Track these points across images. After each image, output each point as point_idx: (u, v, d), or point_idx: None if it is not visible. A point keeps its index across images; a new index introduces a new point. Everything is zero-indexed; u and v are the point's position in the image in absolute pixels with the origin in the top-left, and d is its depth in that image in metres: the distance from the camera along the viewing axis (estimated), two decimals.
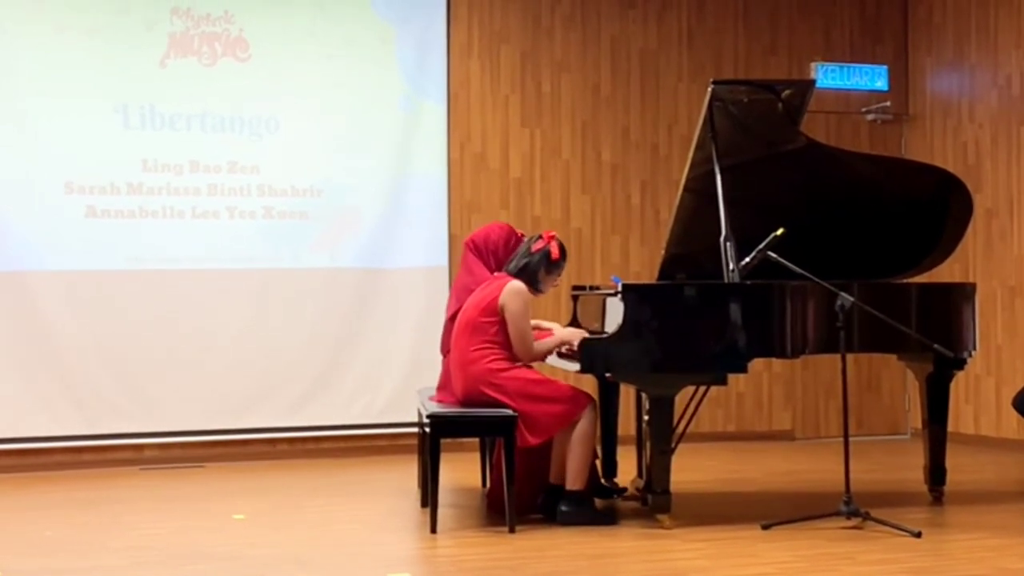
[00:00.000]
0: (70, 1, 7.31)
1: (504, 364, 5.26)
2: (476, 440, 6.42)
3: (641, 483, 5.80)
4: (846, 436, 5.25)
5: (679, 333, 5.21)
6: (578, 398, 5.26)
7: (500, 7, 8.12)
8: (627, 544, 4.99)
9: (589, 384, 6.40)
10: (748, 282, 5.32)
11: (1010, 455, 7.48)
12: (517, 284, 5.33)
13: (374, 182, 7.78)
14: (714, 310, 5.25)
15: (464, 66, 8.05)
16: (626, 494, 5.91)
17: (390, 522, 5.58)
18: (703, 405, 5.85)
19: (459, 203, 7.98)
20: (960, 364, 5.78)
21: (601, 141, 8.27)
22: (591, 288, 6.48)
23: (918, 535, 4.94)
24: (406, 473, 6.57)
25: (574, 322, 6.32)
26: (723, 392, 8.02)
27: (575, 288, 6.63)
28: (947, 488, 5.88)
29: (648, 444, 5.36)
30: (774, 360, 7.37)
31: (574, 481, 5.26)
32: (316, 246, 7.70)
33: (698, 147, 5.63)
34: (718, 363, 5.25)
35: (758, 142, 5.86)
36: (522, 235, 5.79)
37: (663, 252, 6.04)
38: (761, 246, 5.34)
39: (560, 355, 5.56)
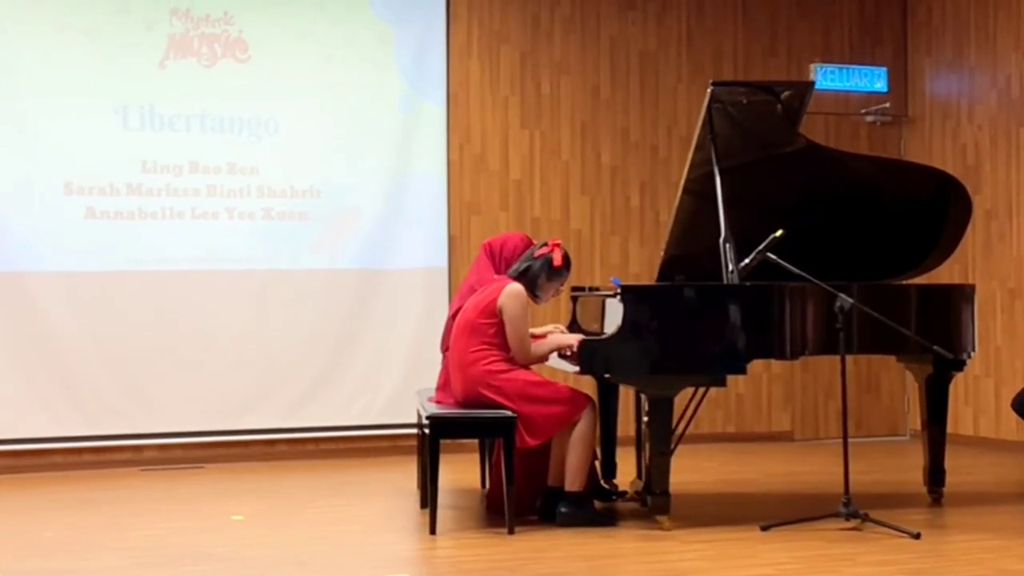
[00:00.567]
0: (70, 2, 7.31)
1: (503, 366, 5.26)
2: (475, 441, 6.42)
3: (640, 484, 5.80)
4: (845, 437, 5.25)
5: (678, 334, 5.21)
6: (577, 399, 5.26)
7: (499, 8, 8.12)
8: (626, 545, 4.99)
9: (588, 385, 6.40)
10: (747, 283, 5.32)
11: (1009, 456, 7.48)
12: (516, 287, 5.33)
13: (373, 183, 7.79)
14: (713, 311, 5.25)
15: (463, 67, 8.05)
16: (626, 497, 5.91)
17: (389, 523, 5.58)
18: (702, 406, 5.85)
19: (458, 204, 7.98)
20: (959, 365, 5.78)
21: (600, 142, 8.27)
22: (590, 289, 6.48)
23: (917, 536, 4.94)
24: (405, 474, 6.57)
25: (573, 323, 6.33)
26: (722, 393, 8.01)
27: (574, 289, 6.63)
28: (946, 489, 5.88)
29: (647, 445, 5.37)
30: (773, 361, 7.38)
31: (573, 482, 5.26)
32: (315, 247, 7.71)
33: (697, 148, 5.63)
34: (717, 364, 5.25)
35: (757, 143, 5.86)
36: None
37: (662, 253, 6.04)
38: (760, 247, 5.34)
39: (560, 356, 5.56)
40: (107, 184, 7.37)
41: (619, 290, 5.21)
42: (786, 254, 5.30)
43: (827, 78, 8.59)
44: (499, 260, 5.74)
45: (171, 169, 7.49)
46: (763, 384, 8.45)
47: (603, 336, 5.32)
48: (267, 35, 7.66)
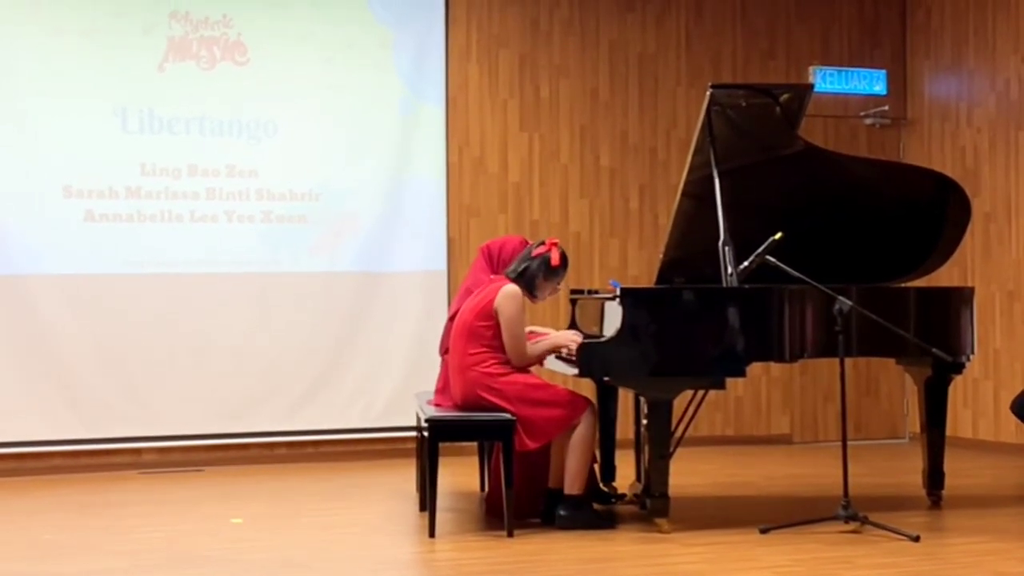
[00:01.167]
0: (69, 4, 7.32)
1: (502, 369, 5.26)
2: (475, 444, 6.42)
3: (639, 487, 5.80)
4: (844, 440, 5.25)
5: (677, 337, 5.21)
6: (576, 402, 5.26)
7: (498, 11, 8.13)
8: (625, 548, 4.99)
9: (588, 388, 6.40)
10: (746, 286, 5.32)
11: (1008, 459, 7.48)
12: (512, 288, 5.33)
13: (372, 186, 7.79)
14: (712, 314, 5.25)
15: (463, 70, 8.06)
16: (625, 499, 5.90)
17: (388, 526, 5.58)
18: (701, 409, 5.86)
19: (457, 207, 7.98)
20: (958, 368, 5.78)
21: (599, 145, 8.28)
22: (589, 292, 6.48)
23: (916, 539, 4.94)
24: (404, 477, 6.57)
25: (573, 326, 6.32)
26: (721, 396, 8.02)
27: (573, 292, 6.64)
28: (945, 492, 5.88)
29: (646, 448, 5.36)
30: (772, 364, 7.36)
31: (572, 485, 5.26)
32: (315, 250, 7.71)
33: (696, 151, 5.63)
34: (716, 367, 5.25)
35: (756, 146, 5.87)
36: None
37: (661, 256, 6.04)
38: (759, 250, 5.34)
39: (559, 358, 5.56)
40: (106, 187, 7.37)
41: (618, 293, 5.21)
42: (785, 257, 5.30)
43: (826, 81, 8.60)
44: (497, 263, 5.75)
45: (170, 172, 7.49)
46: (762, 387, 8.45)
47: (602, 339, 5.32)
48: (266, 38, 7.66)
